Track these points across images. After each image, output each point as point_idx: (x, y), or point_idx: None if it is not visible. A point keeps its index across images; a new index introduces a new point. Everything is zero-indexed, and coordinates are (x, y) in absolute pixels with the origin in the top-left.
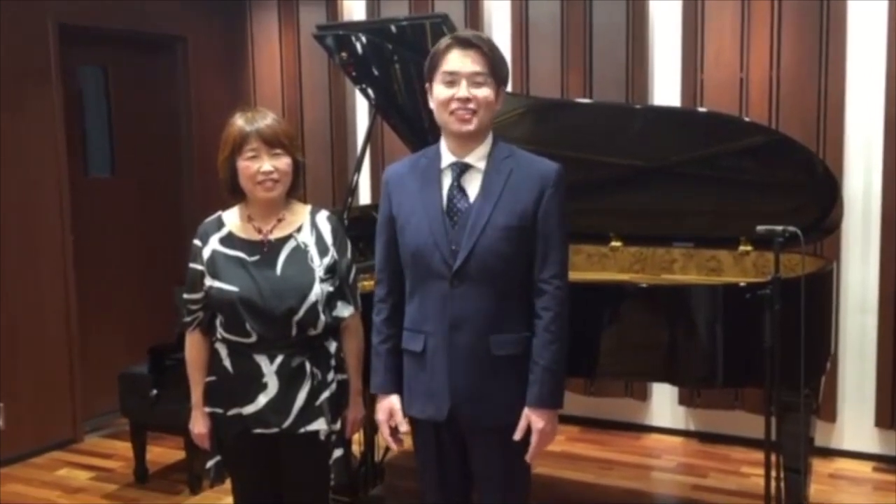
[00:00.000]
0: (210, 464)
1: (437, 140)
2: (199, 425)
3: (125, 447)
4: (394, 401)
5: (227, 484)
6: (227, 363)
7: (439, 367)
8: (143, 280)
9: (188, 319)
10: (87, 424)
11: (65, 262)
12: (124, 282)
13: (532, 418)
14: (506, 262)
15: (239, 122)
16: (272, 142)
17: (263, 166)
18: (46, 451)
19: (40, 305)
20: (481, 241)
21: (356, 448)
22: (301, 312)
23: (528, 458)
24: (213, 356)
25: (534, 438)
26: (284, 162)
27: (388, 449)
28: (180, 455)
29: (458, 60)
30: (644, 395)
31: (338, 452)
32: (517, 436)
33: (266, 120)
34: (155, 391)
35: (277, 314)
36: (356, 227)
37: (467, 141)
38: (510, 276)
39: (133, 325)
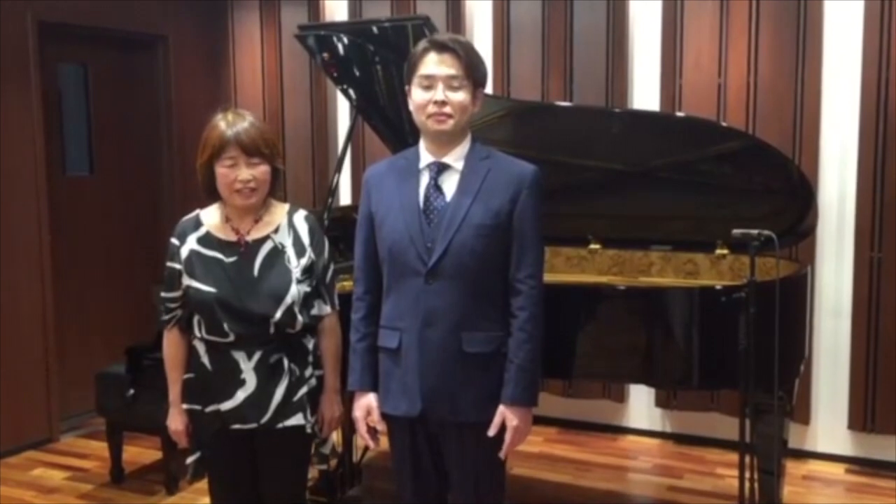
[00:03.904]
0: (190, 460)
1: (417, 142)
2: (175, 422)
3: (101, 447)
4: (371, 398)
5: (204, 484)
6: (205, 360)
7: (412, 364)
8: (121, 279)
9: (166, 318)
10: (63, 424)
11: (42, 260)
12: (102, 281)
13: (506, 416)
14: (480, 260)
15: (220, 126)
16: (251, 150)
17: (241, 175)
18: (21, 450)
19: (17, 304)
20: (456, 238)
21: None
22: (278, 314)
23: (501, 454)
24: (192, 353)
25: (508, 436)
26: (262, 170)
27: (366, 449)
28: (157, 455)
29: (434, 64)
30: (621, 397)
31: (330, 442)
32: (491, 432)
33: (245, 125)
34: (132, 391)
35: (254, 316)
36: (337, 228)
37: (445, 142)
38: (484, 275)
39: (110, 325)
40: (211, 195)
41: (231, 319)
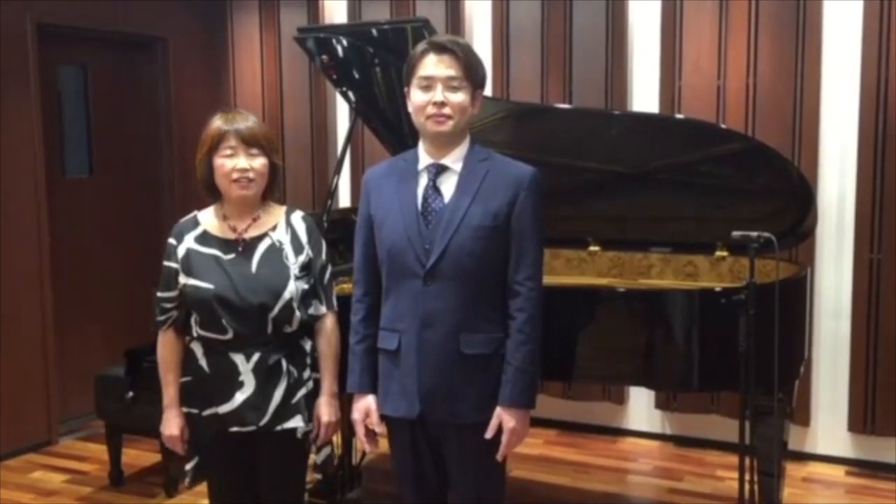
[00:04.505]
0: (189, 466)
1: (416, 143)
2: (170, 427)
3: (100, 450)
4: (370, 401)
5: (203, 487)
6: (202, 362)
7: (411, 365)
8: (121, 281)
9: (162, 318)
10: (62, 427)
11: (41, 262)
12: (101, 283)
13: (504, 417)
14: (478, 261)
15: (218, 121)
16: (250, 141)
17: (239, 163)
18: (20, 453)
19: (16, 306)
20: (455, 240)
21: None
22: (276, 309)
23: (498, 456)
24: (188, 356)
25: (504, 437)
26: (261, 162)
27: (365, 452)
28: (156, 458)
29: (433, 65)
30: (621, 399)
31: (326, 450)
32: (488, 434)
33: (246, 122)
34: (131, 393)
35: (253, 310)
36: (336, 230)
37: (444, 143)
38: (483, 277)
39: (110, 327)
40: (210, 191)
41: (230, 315)
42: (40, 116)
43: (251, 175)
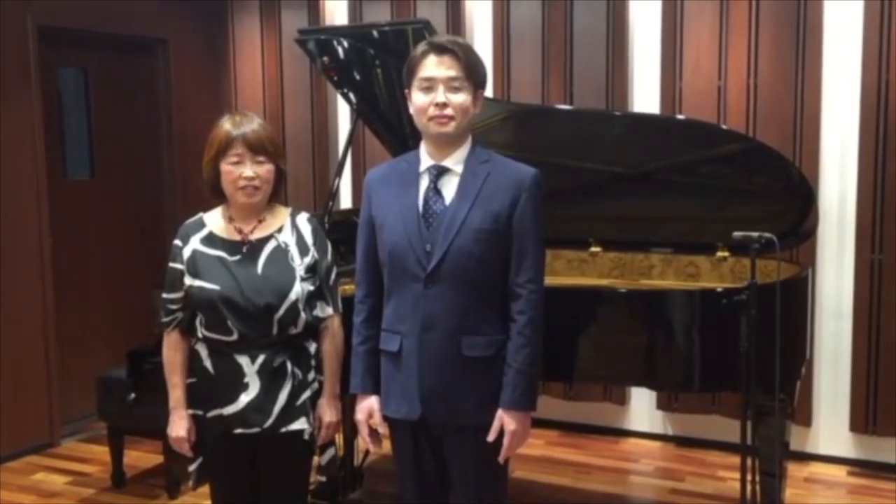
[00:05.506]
0: (192, 467)
1: (417, 145)
2: (176, 428)
3: (102, 451)
4: (373, 401)
5: (206, 488)
6: (207, 364)
7: (412, 367)
8: (122, 283)
9: (167, 320)
10: (64, 428)
11: (43, 264)
12: (103, 285)
13: (505, 420)
14: (479, 264)
15: (226, 125)
16: (256, 148)
17: (245, 172)
18: (23, 455)
19: (18, 308)
20: (455, 242)
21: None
22: (282, 310)
23: (500, 458)
24: (193, 357)
25: (506, 440)
26: (266, 169)
27: (367, 453)
28: (158, 459)
29: (433, 66)
30: (622, 400)
31: (330, 452)
32: (490, 437)
33: (252, 125)
34: (133, 395)
35: (258, 311)
36: (337, 231)
37: (446, 145)
38: (484, 279)
39: (111, 329)
40: (215, 194)
41: (235, 316)
42: (41, 119)
43: (257, 183)
